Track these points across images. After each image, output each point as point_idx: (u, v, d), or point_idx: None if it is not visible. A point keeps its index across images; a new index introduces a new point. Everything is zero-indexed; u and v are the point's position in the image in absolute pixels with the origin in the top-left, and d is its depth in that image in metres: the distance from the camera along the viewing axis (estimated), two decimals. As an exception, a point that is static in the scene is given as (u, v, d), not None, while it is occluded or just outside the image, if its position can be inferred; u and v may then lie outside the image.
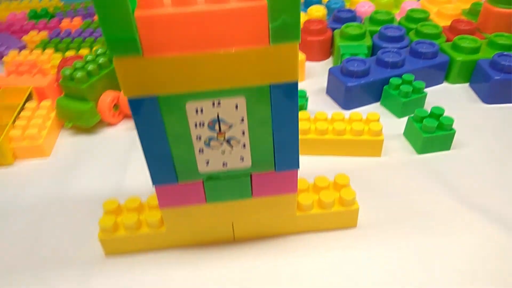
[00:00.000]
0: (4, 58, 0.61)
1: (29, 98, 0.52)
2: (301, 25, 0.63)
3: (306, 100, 0.50)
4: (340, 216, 0.36)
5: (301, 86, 0.57)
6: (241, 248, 0.36)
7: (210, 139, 0.29)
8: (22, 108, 0.50)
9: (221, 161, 0.30)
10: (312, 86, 0.57)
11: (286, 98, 0.27)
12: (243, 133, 0.29)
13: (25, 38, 0.67)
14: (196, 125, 0.28)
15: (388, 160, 0.44)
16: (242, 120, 0.28)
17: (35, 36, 0.67)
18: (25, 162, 0.47)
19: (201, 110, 0.27)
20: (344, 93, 0.51)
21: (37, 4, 0.81)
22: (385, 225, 0.37)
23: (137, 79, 0.25)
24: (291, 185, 0.33)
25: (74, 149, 0.49)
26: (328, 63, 0.63)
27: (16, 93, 0.52)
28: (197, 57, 0.25)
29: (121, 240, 0.35)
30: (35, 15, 0.75)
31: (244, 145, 0.30)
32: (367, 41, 0.59)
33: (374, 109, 0.52)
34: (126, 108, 0.51)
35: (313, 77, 0.59)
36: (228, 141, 0.29)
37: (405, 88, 0.49)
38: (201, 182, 0.31)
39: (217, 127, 0.28)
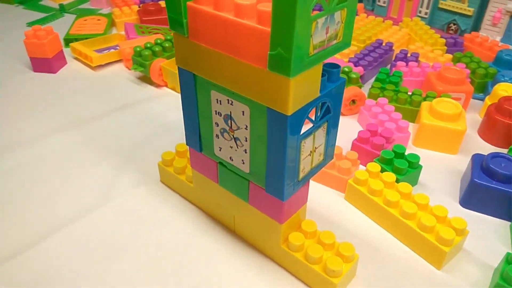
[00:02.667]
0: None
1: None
2: (496, 101, 0.52)
3: (415, 168, 0.44)
4: (317, 278, 0.33)
5: (444, 157, 0.49)
6: (232, 242, 0.39)
7: (224, 130, 0.33)
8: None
9: (229, 154, 0.34)
10: (458, 165, 0.48)
11: (277, 127, 0.28)
12: (246, 139, 0.31)
13: None
14: (216, 112, 0.32)
15: (446, 279, 0.36)
16: (246, 127, 0.31)
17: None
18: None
19: (220, 102, 0.31)
20: (467, 188, 0.42)
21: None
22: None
23: (183, 54, 0.31)
24: (277, 214, 0.33)
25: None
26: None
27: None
28: (219, 55, 0.28)
29: (169, 175, 0.43)
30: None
31: (245, 151, 0.32)
32: None
33: (496, 225, 0.41)
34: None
35: (469, 157, 0.50)
36: (235, 140, 0.32)
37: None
38: (216, 164, 0.36)
39: (229, 122, 0.32)
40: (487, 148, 0.52)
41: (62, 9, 0.90)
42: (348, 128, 0.54)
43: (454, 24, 0.76)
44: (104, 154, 0.49)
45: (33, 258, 0.36)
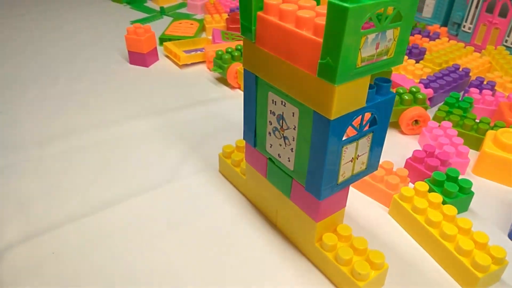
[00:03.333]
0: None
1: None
2: None
3: (466, 193, 0.43)
4: (344, 279, 0.35)
5: (503, 190, 0.48)
6: (272, 233, 0.42)
7: (275, 129, 0.36)
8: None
9: (278, 151, 0.37)
10: (508, 192, 0.47)
11: (320, 129, 0.31)
12: (293, 139, 0.34)
13: None
14: (270, 112, 0.36)
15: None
16: (295, 128, 0.34)
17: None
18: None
19: (275, 103, 0.35)
20: (518, 221, 0.41)
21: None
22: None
23: (249, 57, 0.36)
24: (314, 213, 0.36)
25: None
26: None
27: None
28: (278, 60, 0.32)
29: (227, 166, 0.48)
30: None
31: (292, 149, 0.35)
32: None
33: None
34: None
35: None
36: (284, 138, 0.36)
37: None
38: (266, 159, 0.39)
39: (281, 122, 0.35)
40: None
41: (162, 11, 1.00)
42: (406, 147, 0.54)
43: (544, 57, 0.72)
44: (174, 142, 0.55)
45: (100, 219, 0.43)
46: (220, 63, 0.68)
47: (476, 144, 0.53)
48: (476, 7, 0.77)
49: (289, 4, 0.31)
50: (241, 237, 0.41)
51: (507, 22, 0.74)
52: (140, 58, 0.74)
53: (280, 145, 0.36)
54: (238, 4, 0.97)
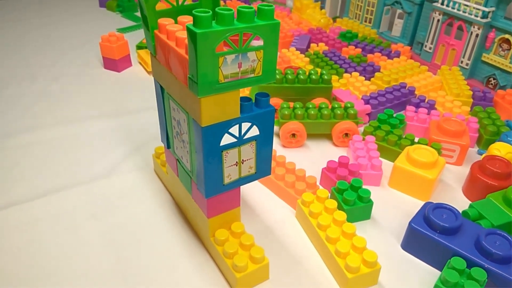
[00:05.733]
0: (283, 50, 0.84)
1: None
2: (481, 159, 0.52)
3: (364, 202, 0.47)
4: (227, 271, 0.39)
5: (413, 202, 0.51)
6: (182, 226, 0.46)
7: (177, 132, 0.41)
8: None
9: (181, 153, 0.42)
10: (415, 205, 0.50)
11: (197, 135, 0.35)
12: (188, 142, 0.39)
13: (312, 45, 0.87)
14: (172, 117, 0.41)
15: None
16: (186, 132, 0.38)
17: (318, 47, 0.86)
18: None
19: (174, 110, 0.40)
20: (406, 231, 0.44)
21: (359, 29, 0.96)
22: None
23: (154, 69, 0.41)
24: (205, 209, 0.40)
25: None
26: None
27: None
28: (168, 72, 0.37)
29: (157, 166, 0.53)
30: (344, 35, 0.92)
31: (187, 152, 0.40)
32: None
33: (427, 273, 0.42)
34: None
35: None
36: (183, 142, 0.40)
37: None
38: (176, 160, 0.44)
39: (179, 127, 0.40)
40: (462, 203, 0.52)
41: (148, 20, 1.07)
42: (335, 158, 0.58)
43: (494, 79, 0.74)
44: (124, 141, 0.61)
45: (30, 209, 0.49)
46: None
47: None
48: (436, 28, 0.80)
49: (175, 25, 0.36)
50: (154, 229, 0.46)
51: (462, 44, 0.77)
52: (113, 63, 0.80)
53: (182, 147, 0.41)
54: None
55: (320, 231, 0.43)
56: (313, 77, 0.64)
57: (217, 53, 0.31)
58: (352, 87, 0.71)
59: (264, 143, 0.39)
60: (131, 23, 1.06)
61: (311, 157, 0.58)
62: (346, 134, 0.59)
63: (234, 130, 0.36)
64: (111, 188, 0.52)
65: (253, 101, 0.37)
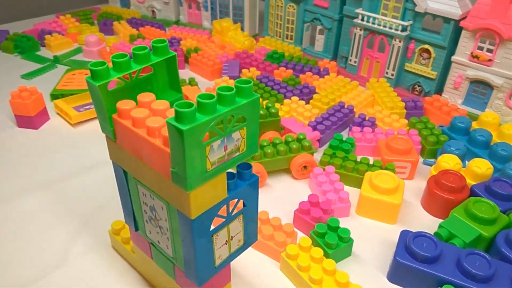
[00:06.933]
0: (216, 80, 0.82)
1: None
2: (435, 172, 0.56)
3: (345, 241, 0.47)
4: None
5: (383, 228, 0.52)
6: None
7: (150, 217, 0.37)
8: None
9: (157, 238, 0.37)
10: (395, 236, 0.51)
11: (185, 226, 0.32)
12: (167, 229, 0.35)
13: (244, 71, 0.85)
14: (143, 202, 0.36)
15: None
16: (166, 220, 0.35)
17: (250, 72, 0.85)
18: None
19: (145, 195, 0.35)
20: (391, 264, 0.45)
21: (284, 47, 0.98)
22: None
23: (114, 153, 0.36)
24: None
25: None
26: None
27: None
28: (137, 160, 0.33)
29: (117, 243, 0.47)
30: (271, 56, 0.93)
31: (168, 238, 0.36)
32: (488, 231, 0.47)
33: (420, 303, 0.44)
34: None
35: (412, 228, 0.53)
36: (160, 227, 0.36)
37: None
38: (149, 243, 0.39)
39: (153, 213, 0.36)
40: (425, 219, 0.55)
41: (56, 60, 0.96)
42: (299, 193, 0.57)
43: (419, 86, 0.80)
44: (64, 218, 0.53)
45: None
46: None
47: (358, 184, 0.58)
48: (358, 43, 0.84)
49: (140, 110, 0.32)
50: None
51: (385, 56, 0.81)
52: (28, 121, 0.70)
53: (158, 232, 0.37)
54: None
55: (314, 285, 0.42)
56: (261, 112, 0.63)
57: (203, 143, 0.28)
58: (295, 113, 0.71)
59: (250, 213, 0.37)
60: (34, 65, 0.95)
61: (277, 198, 0.57)
62: (305, 167, 0.59)
63: (223, 211, 0.34)
64: (69, 280, 0.45)
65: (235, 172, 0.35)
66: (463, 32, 0.71)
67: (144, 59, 0.34)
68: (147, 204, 0.36)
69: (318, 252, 0.44)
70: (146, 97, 0.33)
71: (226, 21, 1.03)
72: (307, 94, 0.77)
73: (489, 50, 0.69)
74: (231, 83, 0.80)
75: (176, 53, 0.35)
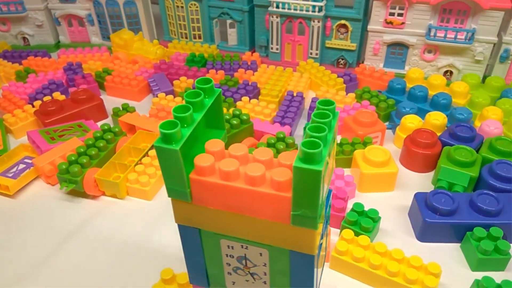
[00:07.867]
0: (153, 99, 0.76)
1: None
2: (411, 133, 0.62)
3: (376, 221, 0.50)
4: None
5: (386, 197, 0.57)
6: None
7: (237, 268, 0.34)
8: (146, 153, 0.62)
9: (245, 286, 0.35)
10: (399, 200, 0.56)
11: (303, 264, 0.30)
12: (265, 273, 0.33)
13: (175, 82, 0.81)
14: (227, 255, 0.33)
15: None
16: (265, 264, 0.32)
17: (182, 83, 0.80)
18: (133, 199, 0.58)
19: (232, 247, 0.32)
20: (421, 226, 0.50)
21: (200, 48, 0.95)
22: None
23: (185, 215, 0.32)
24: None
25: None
26: (430, 176, 0.61)
27: (148, 138, 0.64)
28: (230, 214, 0.30)
29: (165, 306, 0.43)
30: (192, 60, 0.89)
31: (265, 282, 0.34)
32: (474, 172, 0.55)
33: (452, 250, 0.49)
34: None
35: (406, 189, 0.58)
36: (251, 275, 0.34)
37: (486, 244, 0.45)
38: (228, 295, 0.37)
39: (244, 262, 0.33)
40: (411, 176, 0.61)
41: None
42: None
43: (343, 59, 0.86)
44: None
45: None
46: (69, 178, 0.57)
47: (346, 163, 0.61)
48: (277, 30, 0.86)
49: (228, 162, 0.28)
50: None
51: (306, 38, 0.85)
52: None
53: (247, 280, 0.34)
54: (36, 86, 0.82)
55: (377, 271, 0.44)
56: (234, 122, 0.61)
57: (323, 175, 0.27)
58: (254, 113, 0.70)
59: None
60: None
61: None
62: (296, 163, 0.60)
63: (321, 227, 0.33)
64: None
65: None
66: (375, 2, 0.78)
67: (200, 106, 0.30)
68: (233, 256, 0.33)
69: (364, 240, 0.46)
70: (216, 145, 0.30)
71: (125, 32, 0.95)
72: (251, 91, 0.76)
73: (399, 15, 0.78)
74: (170, 98, 0.75)
75: (220, 89, 0.32)
